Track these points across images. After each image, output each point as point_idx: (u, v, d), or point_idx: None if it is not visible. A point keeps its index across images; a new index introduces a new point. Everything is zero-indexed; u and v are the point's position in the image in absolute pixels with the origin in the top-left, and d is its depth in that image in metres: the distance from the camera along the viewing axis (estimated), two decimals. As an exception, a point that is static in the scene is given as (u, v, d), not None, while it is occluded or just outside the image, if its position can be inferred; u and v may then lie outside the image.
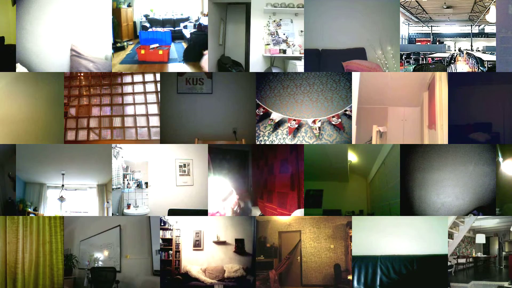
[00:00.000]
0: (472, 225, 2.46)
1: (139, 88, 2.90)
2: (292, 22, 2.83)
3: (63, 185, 2.52)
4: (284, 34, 2.79)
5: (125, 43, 3.06)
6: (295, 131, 2.60)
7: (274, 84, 2.66)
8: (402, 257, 2.29)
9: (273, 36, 2.79)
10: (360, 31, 2.65)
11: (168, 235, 2.56)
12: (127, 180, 2.83)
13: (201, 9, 3.10)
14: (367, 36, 2.62)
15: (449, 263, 2.34)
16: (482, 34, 2.71)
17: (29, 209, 2.49)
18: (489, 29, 2.65)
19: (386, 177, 2.45)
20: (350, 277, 2.35)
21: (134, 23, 3.30)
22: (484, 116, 2.43)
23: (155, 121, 2.75)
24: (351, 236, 2.38)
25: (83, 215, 2.55)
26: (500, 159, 2.36)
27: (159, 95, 2.71)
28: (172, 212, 2.57)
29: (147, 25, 3.32)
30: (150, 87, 2.90)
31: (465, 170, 2.33)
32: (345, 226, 2.44)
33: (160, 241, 2.52)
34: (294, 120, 2.55)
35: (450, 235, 2.42)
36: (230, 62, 2.87)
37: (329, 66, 2.62)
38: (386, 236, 2.22)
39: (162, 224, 2.53)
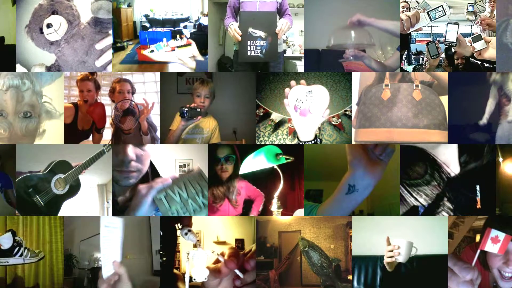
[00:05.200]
0: (472, 225, 2.46)
1: (139, 88, 2.90)
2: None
3: (63, 185, 2.52)
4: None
5: (125, 43, 3.06)
6: (295, 132, 2.59)
7: (274, 84, 2.66)
8: (402, 257, 2.29)
9: (273, 36, 2.78)
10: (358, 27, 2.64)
11: (168, 235, 2.55)
12: (127, 180, 2.83)
13: (201, 9, 3.10)
14: (365, 32, 2.61)
15: (449, 263, 2.34)
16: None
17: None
18: (489, 29, 2.64)
19: (386, 177, 2.45)
20: (350, 277, 2.35)
21: (134, 23, 3.29)
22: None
23: (155, 121, 2.74)
24: (351, 236, 2.38)
25: (83, 215, 2.55)
26: (500, 159, 2.36)
27: (159, 95, 2.71)
28: (172, 212, 2.57)
29: (147, 25, 3.31)
30: (150, 87, 2.90)
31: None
32: (345, 226, 2.44)
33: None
34: (294, 120, 2.54)
35: (450, 235, 2.42)
36: (230, 62, 2.87)
37: (329, 66, 2.62)
38: (386, 236, 2.21)
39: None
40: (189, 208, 1.91)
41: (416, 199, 2.21)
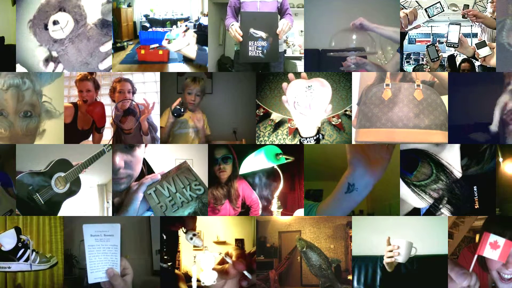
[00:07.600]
0: (472, 225, 2.46)
1: (139, 88, 2.90)
2: (292, 22, 2.83)
3: (63, 185, 2.52)
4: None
5: (125, 43, 3.06)
6: (295, 131, 2.59)
7: (274, 84, 2.66)
8: (402, 257, 2.29)
9: (273, 36, 2.78)
10: (360, 31, 2.64)
11: (168, 235, 2.55)
12: (127, 180, 2.83)
13: (201, 9, 3.10)
14: (367, 36, 2.62)
15: (449, 263, 2.34)
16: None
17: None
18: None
19: (386, 177, 2.45)
20: (350, 277, 2.35)
21: (134, 23, 3.29)
22: (484, 116, 2.43)
23: (155, 121, 2.75)
24: (351, 236, 2.38)
25: (83, 215, 2.55)
26: (500, 159, 2.36)
27: (159, 95, 2.71)
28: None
29: (147, 25, 3.31)
30: (150, 87, 2.90)
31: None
32: (345, 226, 2.44)
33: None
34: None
35: (450, 235, 2.42)
36: (230, 62, 2.87)
37: (329, 66, 2.62)
38: (386, 236, 2.22)
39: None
40: (177, 201, 2.04)
41: (430, 196, 2.18)
